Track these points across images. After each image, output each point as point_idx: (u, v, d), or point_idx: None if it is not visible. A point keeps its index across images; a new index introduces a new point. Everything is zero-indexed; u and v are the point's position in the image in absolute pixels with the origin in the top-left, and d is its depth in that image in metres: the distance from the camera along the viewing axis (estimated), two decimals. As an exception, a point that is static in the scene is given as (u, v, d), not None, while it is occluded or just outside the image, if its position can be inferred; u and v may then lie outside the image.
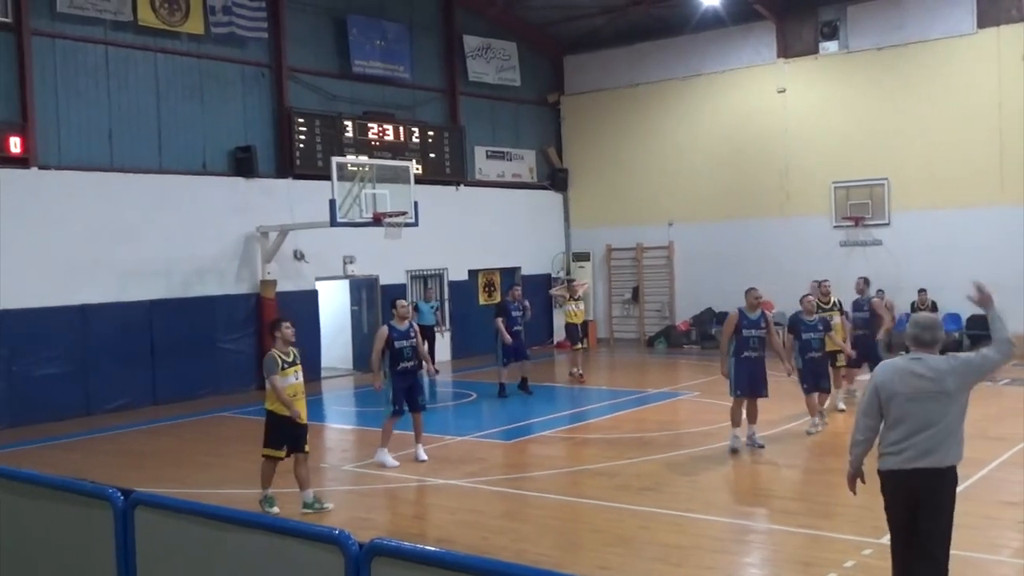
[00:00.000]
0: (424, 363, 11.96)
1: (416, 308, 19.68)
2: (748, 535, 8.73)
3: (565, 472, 11.30)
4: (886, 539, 7.97)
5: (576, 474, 11.20)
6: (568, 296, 19.23)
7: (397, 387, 11.58)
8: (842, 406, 14.36)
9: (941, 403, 5.53)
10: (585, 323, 19.75)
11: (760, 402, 12.02)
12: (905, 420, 5.56)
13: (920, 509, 5.58)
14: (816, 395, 12.92)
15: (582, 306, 19.10)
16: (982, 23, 20.65)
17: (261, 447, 9.61)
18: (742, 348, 11.77)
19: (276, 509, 9.42)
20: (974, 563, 7.45)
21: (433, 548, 3.91)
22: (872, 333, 14.85)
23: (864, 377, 12.98)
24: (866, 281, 15.98)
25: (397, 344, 11.51)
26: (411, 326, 11.74)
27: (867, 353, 14.43)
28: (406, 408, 11.62)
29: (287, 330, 9.69)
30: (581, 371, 18.79)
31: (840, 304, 14.71)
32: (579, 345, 18.80)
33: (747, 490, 10.41)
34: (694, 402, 15.84)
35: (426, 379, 13.28)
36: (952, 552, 7.58)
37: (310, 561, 4.03)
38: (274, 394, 9.45)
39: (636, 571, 7.55)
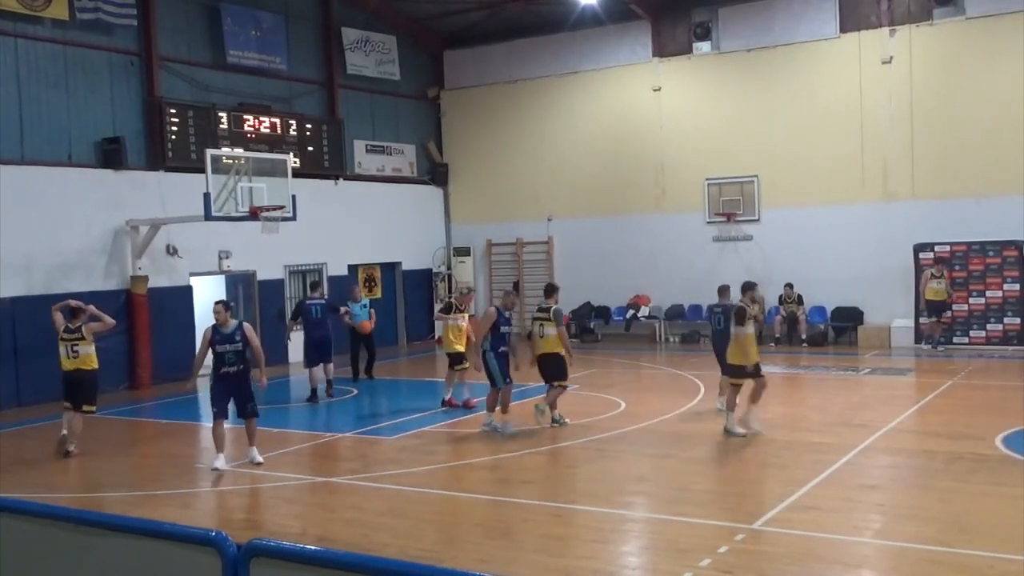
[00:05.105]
0: (258, 370, 11.60)
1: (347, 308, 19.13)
2: (627, 524, 8.91)
3: (446, 467, 11.32)
4: (757, 525, 8.33)
5: (457, 468, 11.24)
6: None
7: (216, 390, 11.48)
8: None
9: None
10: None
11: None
12: None
13: None
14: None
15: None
16: (844, 28, 21.56)
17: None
18: (499, 343, 13.01)
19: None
20: (837, 545, 7.81)
21: (313, 547, 3.86)
22: None
23: None
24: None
25: (218, 348, 11.30)
26: (238, 331, 11.34)
27: None
28: (231, 411, 11.47)
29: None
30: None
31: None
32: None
33: (626, 480, 10.62)
34: (573, 395, 16.03)
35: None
36: (815, 534, 7.98)
37: (186, 564, 3.92)
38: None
39: (517, 563, 7.61)
